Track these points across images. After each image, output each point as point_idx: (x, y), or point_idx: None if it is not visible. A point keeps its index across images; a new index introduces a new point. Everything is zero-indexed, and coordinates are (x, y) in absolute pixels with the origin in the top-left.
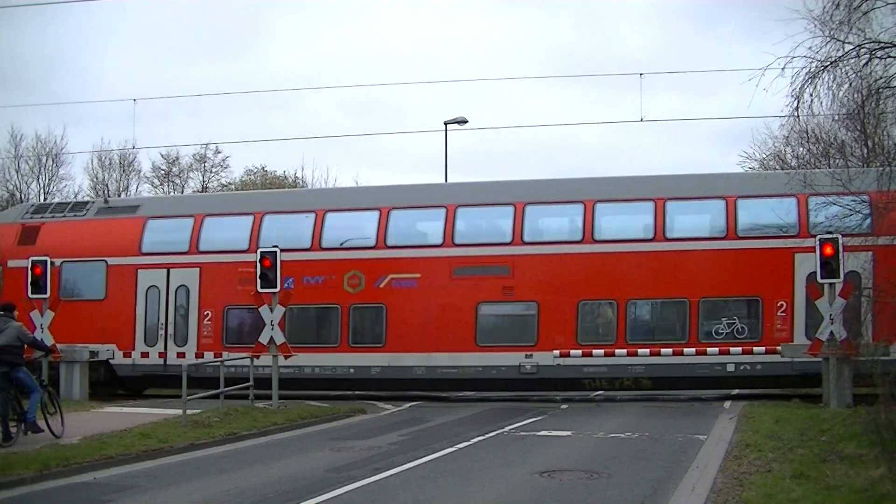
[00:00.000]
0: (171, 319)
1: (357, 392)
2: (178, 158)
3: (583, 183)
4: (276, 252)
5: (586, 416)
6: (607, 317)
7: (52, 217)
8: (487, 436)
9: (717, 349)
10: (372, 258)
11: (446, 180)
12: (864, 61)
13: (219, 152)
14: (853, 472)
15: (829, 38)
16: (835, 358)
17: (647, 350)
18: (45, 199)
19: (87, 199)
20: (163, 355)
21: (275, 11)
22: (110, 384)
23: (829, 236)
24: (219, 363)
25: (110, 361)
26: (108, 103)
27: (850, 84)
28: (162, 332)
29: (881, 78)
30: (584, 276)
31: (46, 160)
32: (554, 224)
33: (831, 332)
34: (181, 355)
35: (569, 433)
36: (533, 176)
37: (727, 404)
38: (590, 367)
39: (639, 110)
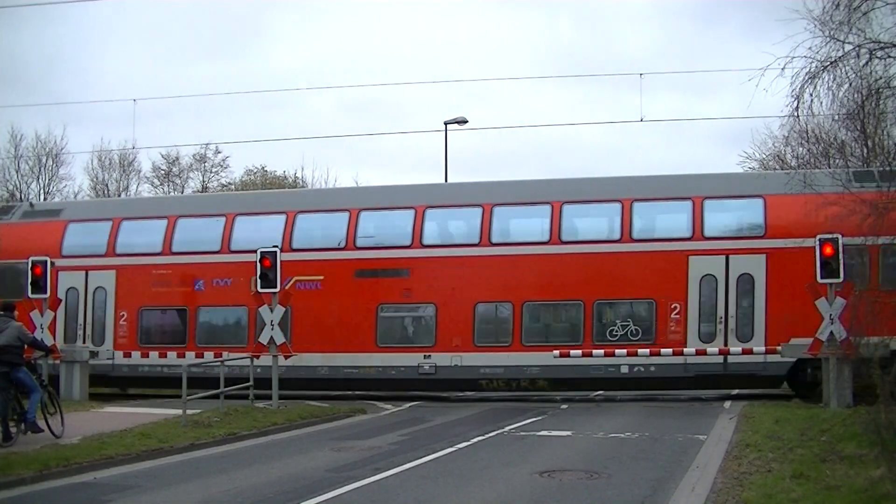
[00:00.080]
0: (89, 320)
1: (357, 392)
2: (178, 158)
3: (481, 187)
4: (275, 252)
5: (586, 416)
6: (504, 319)
7: None
8: (487, 436)
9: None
10: None
11: (446, 180)
12: (863, 61)
13: (219, 152)
14: (853, 472)
15: (828, 39)
16: (835, 358)
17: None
18: (45, 199)
19: (12, 204)
20: None
21: (275, 11)
22: None
23: (830, 236)
24: (219, 363)
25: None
26: (108, 103)
27: (850, 84)
28: (80, 332)
29: (881, 78)
30: (481, 278)
31: (46, 160)
32: (452, 227)
33: (831, 332)
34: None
35: (569, 433)
36: (533, 176)
37: (727, 404)
38: (486, 368)
39: (639, 110)
